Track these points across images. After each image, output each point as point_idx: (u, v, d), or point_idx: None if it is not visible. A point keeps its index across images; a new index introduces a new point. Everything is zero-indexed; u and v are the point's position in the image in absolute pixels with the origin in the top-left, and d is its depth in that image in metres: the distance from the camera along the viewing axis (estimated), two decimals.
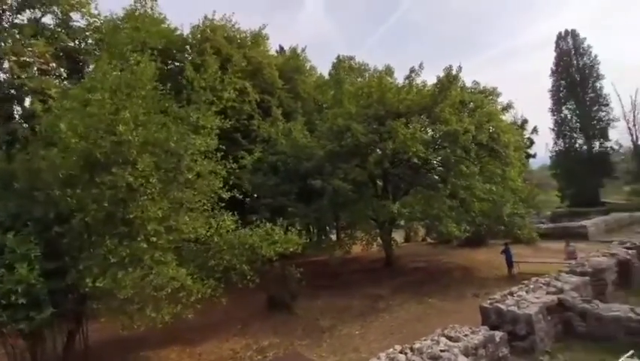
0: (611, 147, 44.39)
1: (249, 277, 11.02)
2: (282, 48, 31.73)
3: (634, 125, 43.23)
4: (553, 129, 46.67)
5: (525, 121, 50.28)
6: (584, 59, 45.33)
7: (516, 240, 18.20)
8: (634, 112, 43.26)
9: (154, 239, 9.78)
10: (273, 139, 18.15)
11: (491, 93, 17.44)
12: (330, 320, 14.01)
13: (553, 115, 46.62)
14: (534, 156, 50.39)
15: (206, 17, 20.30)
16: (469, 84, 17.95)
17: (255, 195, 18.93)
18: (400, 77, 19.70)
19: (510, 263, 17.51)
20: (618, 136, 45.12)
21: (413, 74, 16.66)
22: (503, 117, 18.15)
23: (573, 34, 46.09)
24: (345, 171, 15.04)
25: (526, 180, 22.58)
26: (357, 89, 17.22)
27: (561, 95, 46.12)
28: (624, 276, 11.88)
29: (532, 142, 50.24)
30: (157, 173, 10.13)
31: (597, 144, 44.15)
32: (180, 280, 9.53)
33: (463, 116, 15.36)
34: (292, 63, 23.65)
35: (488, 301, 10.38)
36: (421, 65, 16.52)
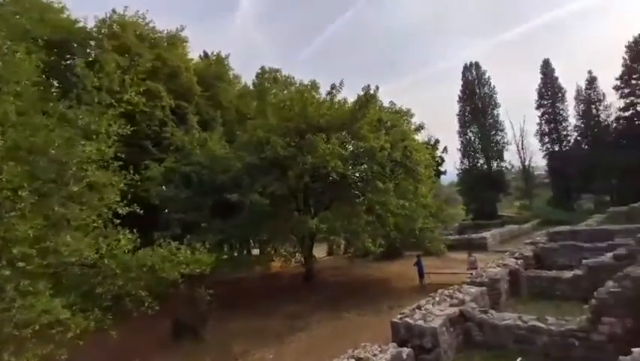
0: (505, 167, 50.78)
1: (146, 304, 9.71)
2: (206, 54, 30.34)
3: (522, 148, 50.28)
4: (459, 150, 52.02)
5: (437, 141, 55.35)
6: (485, 88, 51.46)
7: (427, 252, 19.32)
8: (522, 137, 50.36)
9: (21, 264, 8.07)
10: (188, 148, 16.83)
11: (406, 114, 18.55)
12: (243, 345, 13.11)
13: (460, 137, 51.97)
14: (444, 172, 55.77)
15: (114, 11, 18.27)
16: (387, 104, 18.90)
17: (167, 210, 17.30)
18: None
19: (421, 274, 18.46)
20: (511, 157, 51.60)
21: (334, 91, 16.98)
22: (416, 137, 19.40)
23: (476, 66, 52.13)
24: (264, 185, 14.47)
25: (435, 196, 24.39)
26: (280, 102, 16.94)
27: (466, 119, 51.60)
28: (514, 285, 13.18)
29: (442, 160, 55.71)
30: (31, 184, 8.45)
31: (495, 164, 50.13)
32: (54, 313, 7.95)
33: (380, 134, 15.98)
34: (215, 70, 22.55)
35: (398, 316, 10.60)
36: (341, 83, 16.94)
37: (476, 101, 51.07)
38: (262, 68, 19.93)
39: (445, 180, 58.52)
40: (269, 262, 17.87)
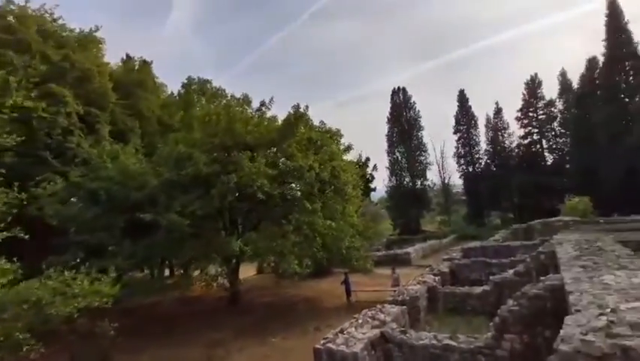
0: (428, 185, 54.72)
1: (25, 348, 8.16)
2: (128, 57, 28.04)
3: (442, 168, 54.80)
4: (388, 168, 54.97)
5: (368, 159, 58.16)
6: (411, 112, 55.29)
7: (355, 269, 19.60)
8: (442, 158, 54.95)
9: None
10: (97, 161, 15.02)
11: (335, 134, 18.89)
12: None
13: (388, 156, 55.05)
14: (374, 189, 58.45)
15: (10, 1, 15.88)
16: (317, 123, 19.04)
17: (73, 230, 15.08)
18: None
19: (348, 292, 18.60)
20: (433, 176, 55.78)
21: (263, 108, 16.66)
22: (346, 157, 19.83)
23: (404, 91, 55.90)
24: (184, 204, 13.41)
25: (363, 214, 25.12)
26: (205, 115, 16.07)
27: (394, 140, 54.84)
28: (432, 301, 13.83)
29: (373, 177, 58.49)
30: None
31: (419, 182, 53.77)
32: None
33: (309, 153, 15.96)
34: (136, 76, 20.78)
35: (321, 342, 10.37)
36: (271, 100, 16.69)
37: (403, 124, 54.60)
38: (189, 77, 18.83)
39: (375, 196, 61.36)
40: (190, 285, 16.50)
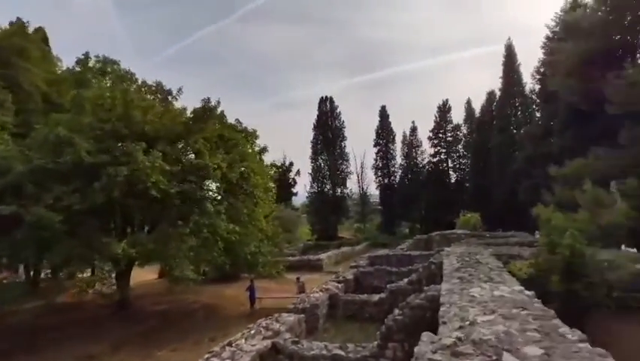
0: (347, 194, 56.56)
1: None
2: (19, 20, 23.61)
3: (361, 178, 57.19)
4: (310, 174, 55.59)
5: (291, 163, 58.42)
6: (336, 121, 56.71)
7: (262, 275, 18.95)
8: (362, 169, 57.37)
9: None
10: None
11: (251, 135, 18.14)
12: None
13: (312, 162, 55.71)
14: (296, 194, 58.67)
15: None
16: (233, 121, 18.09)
17: None
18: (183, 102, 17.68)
19: (252, 299, 17.90)
20: (352, 185, 57.81)
21: (170, 97, 15.23)
22: (261, 159, 19.18)
23: (331, 100, 57.15)
24: (59, 196, 11.42)
25: (277, 218, 24.68)
26: (98, 97, 14.05)
27: (319, 147, 55.73)
28: (333, 308, 13.87)
29: (295, 182, 58.72)
30: None
31: (339, 190, 55.30)
32: None
33: (218, 151, 14.99)
34: (16, 42, 17.53)
35: (205, 357, 9.58)
36: (179, 90, 15.34)
37: (328, 132, 55.78)
38: (86, 53, 16.44)
39: (297, 200, 61.52)
40: (61, 291, 14.18)
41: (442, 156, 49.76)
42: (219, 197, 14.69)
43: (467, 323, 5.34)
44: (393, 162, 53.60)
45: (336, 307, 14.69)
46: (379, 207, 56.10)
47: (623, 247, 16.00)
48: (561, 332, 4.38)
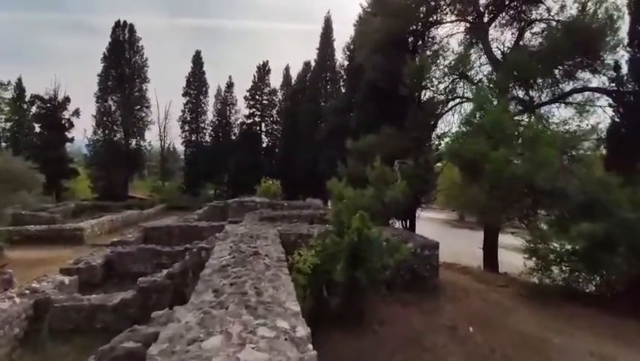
0: (145, 147, 47.57)
1: None
2: None
3: (164, 131, 49.08)
4: (95, 117, 43.50)
5: (67, 99, 43.99)
6: (137, 56, 45.85)
7: None
8: (166, 120, 49.15)
9: None
10: None
11: None
12: None
13: (98, 102, 43.61)
14: (72, 140, 44.92)
15: None
16: None
17: None
18: None
19: None
20: (152, 138, 48.98)
21: None
22: None
23: (130, 28, 45.54)
24: None
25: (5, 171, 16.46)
26: None
27: (109, 84, 43.97)
28: (40, 322, 8.88)
29: (71, 124, 44.68)
30: None
31: (134, 141, 45.73)
32: None
33: None
34: None
35: None
36: None
37: (124, 67, 44.58)
38: None
39: (72, 147, 47.66)
40: None
41: (256, 119, 47.66)
42: None
43: None
44: (203, 117, 47.87)
45: (44, 321, 9.42)
46: (183, 165, 49.93)
47: (397, 224, 17.56)
48: None
